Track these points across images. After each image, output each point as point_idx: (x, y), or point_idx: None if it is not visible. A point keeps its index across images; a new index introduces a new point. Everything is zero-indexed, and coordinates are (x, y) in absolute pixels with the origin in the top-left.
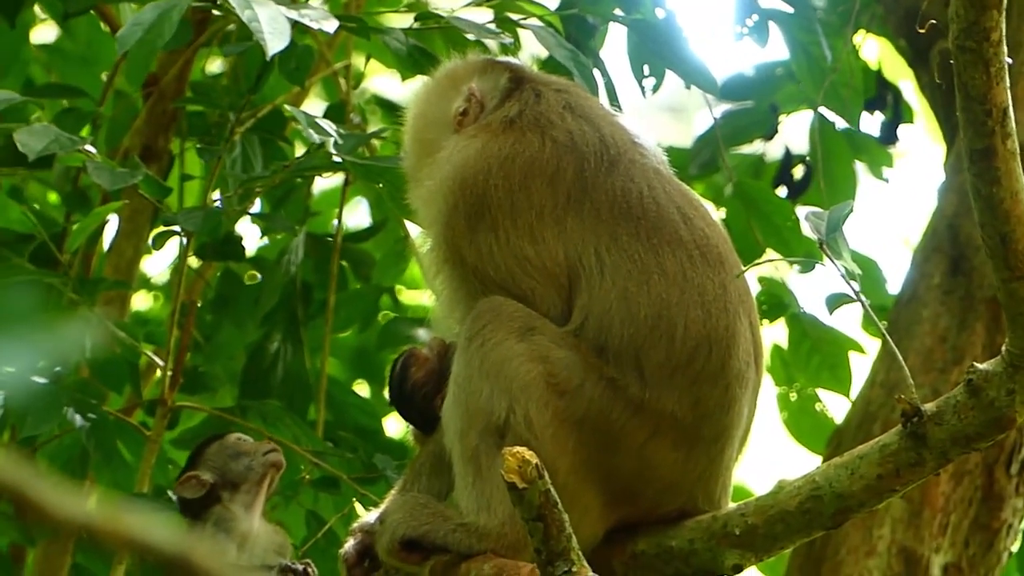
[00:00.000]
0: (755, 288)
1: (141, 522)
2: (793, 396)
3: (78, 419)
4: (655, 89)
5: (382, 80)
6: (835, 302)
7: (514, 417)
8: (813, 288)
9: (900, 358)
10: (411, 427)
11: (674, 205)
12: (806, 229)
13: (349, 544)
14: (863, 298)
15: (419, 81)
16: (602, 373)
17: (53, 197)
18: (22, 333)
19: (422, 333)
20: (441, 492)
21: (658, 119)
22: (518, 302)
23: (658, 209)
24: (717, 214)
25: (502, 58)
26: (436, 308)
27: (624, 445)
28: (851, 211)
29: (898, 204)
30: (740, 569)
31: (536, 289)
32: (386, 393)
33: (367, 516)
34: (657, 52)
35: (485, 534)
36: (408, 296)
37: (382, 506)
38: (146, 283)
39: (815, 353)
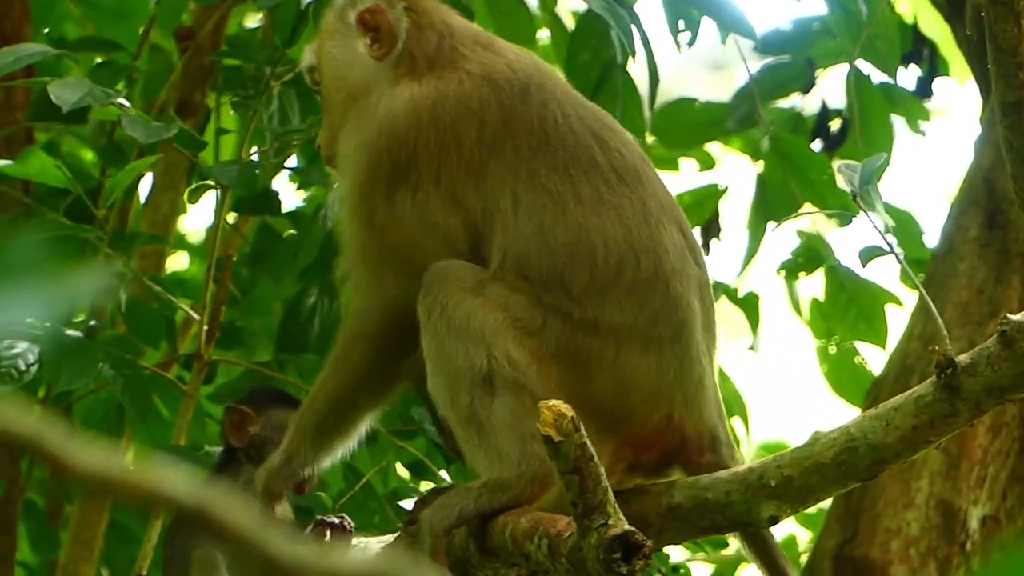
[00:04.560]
0: (793, 241)
1: (162, 475)
2: (832, 349)
3: (113, 374)
4: (690, 43)
5: None
6: (868, 254)
7: (496, 361)
8: (851, 242)
9: (934, 310)
10: None
11: (588, 130)
12: (841, 182)
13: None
14: (897, 250)
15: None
16: (549, 305)
17: (89, 154)
18: (48, 285)
19: None
20: None
21: (699, 74)
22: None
23: (574, 136)
24: (631, 137)
25: None
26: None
27: (599, 367)
28: (887, 164)
29: (940, 159)
30: (776, 520)
31: (441, 255)
32: None
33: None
34: (693, 3)
35: (508, 483)
36: None
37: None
38: (182, 242)
39: (852, 305)
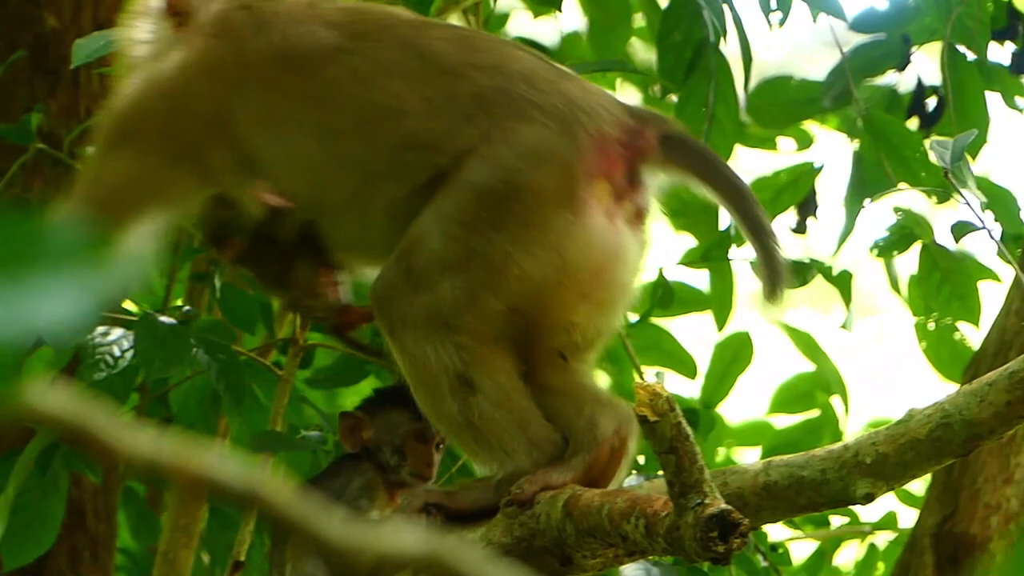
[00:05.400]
0: (889, 220)
1: (210, 459)
2: (931, 326)
3: (208, 360)
4: (781, 23)
5: (521, 21)
6: (961, 230)
7: (464, 350)
8: (950, 220)
9: None
10: None
11: (337, 25)
12: (934, 159)
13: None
14: (990, 225)
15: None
16: (426, 185)
17: None
18: (84, 272)
19: None
20: None
21: (819, 54)
22: None
23: (314, 38)
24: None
25: None
26: None
27: (511, 167)
28: (982, 140)
29: None
30: (872, 498)
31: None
32: None
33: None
34: None
35: (524, 471)
36: None
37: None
38: None
39: (945, 283)
